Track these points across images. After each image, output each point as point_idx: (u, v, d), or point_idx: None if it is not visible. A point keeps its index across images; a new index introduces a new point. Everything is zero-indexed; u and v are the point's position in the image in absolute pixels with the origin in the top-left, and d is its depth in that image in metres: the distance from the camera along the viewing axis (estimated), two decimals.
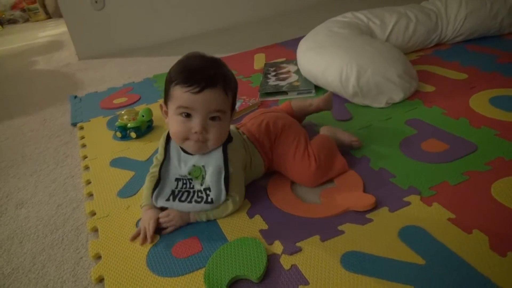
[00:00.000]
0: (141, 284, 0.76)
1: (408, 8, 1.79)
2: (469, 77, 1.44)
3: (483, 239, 0.75)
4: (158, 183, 0.89)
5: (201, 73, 0.79)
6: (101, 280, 0.79)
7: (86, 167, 1.21)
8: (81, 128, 1.49)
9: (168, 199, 0.89)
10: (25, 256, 0.90)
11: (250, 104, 1.43)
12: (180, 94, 0.80)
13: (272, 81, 1.62)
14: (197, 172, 0.88)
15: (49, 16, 4.80)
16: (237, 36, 2.59)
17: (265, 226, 0.85)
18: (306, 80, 1.57)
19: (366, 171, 0.99)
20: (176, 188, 0.89)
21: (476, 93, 1.31)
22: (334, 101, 1.26)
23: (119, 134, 1.33)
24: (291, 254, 0.77)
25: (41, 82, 2.21)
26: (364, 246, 0.77)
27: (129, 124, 1.32)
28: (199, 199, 0.87)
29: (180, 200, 0.88)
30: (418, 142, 1.08)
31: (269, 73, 1.71)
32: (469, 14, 1.75)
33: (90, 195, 1.07)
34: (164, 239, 0.86)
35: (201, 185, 0.88)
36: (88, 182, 1.13)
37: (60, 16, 3.66)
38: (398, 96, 1.32)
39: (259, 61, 1.95)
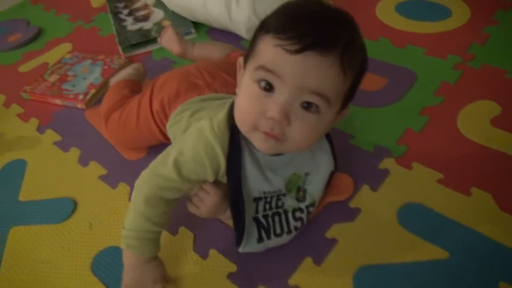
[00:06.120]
0: None
1: None
2: None
3: (487, 197, 0.65)
4: (239, 217, 0.55)
5: (313, 23, 0.45)
6: None
7: None
8: None
9: (261, 239, 0.57)
10: None
11: (118, 68, 1.02)
12: (268, 48, 0.46)
13: (130, 24, 1.20)
14: (294, 183, 0.60)
15: None
16: None
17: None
18: (176, 16, 1.19)
19: None
20: (257, 213, 0.57)
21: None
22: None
23: None
24: None
25: None
26: (360, 250, 0.60)
27: None
28: (298, 223, 0.60)
29: (276, 235, 0.58)
30: None
31: (120, 13, 1.27)
32: None
33: None
34: None
35: (298, 200, 0.60)
36: None
37: None
38: None
39: None
